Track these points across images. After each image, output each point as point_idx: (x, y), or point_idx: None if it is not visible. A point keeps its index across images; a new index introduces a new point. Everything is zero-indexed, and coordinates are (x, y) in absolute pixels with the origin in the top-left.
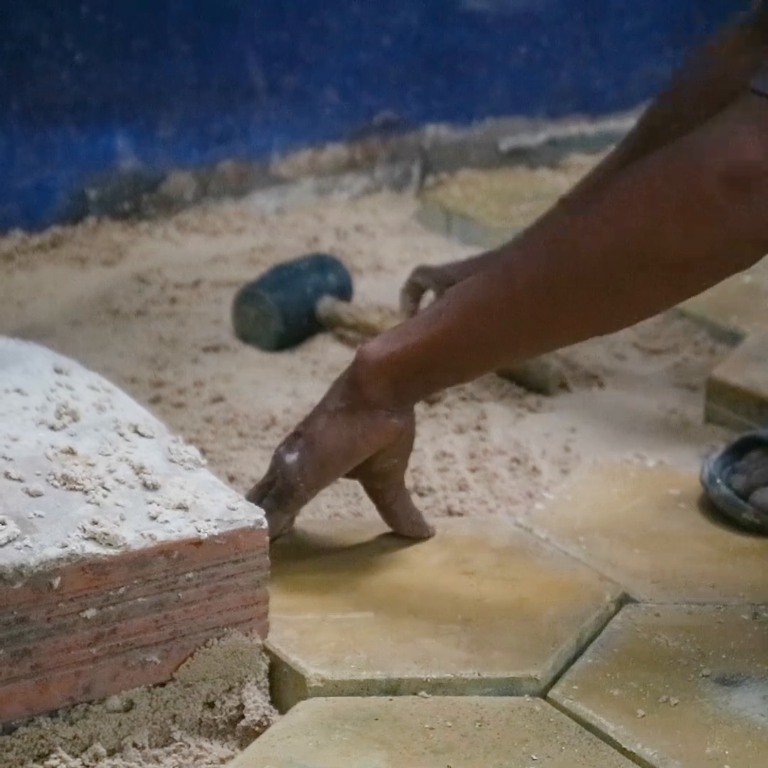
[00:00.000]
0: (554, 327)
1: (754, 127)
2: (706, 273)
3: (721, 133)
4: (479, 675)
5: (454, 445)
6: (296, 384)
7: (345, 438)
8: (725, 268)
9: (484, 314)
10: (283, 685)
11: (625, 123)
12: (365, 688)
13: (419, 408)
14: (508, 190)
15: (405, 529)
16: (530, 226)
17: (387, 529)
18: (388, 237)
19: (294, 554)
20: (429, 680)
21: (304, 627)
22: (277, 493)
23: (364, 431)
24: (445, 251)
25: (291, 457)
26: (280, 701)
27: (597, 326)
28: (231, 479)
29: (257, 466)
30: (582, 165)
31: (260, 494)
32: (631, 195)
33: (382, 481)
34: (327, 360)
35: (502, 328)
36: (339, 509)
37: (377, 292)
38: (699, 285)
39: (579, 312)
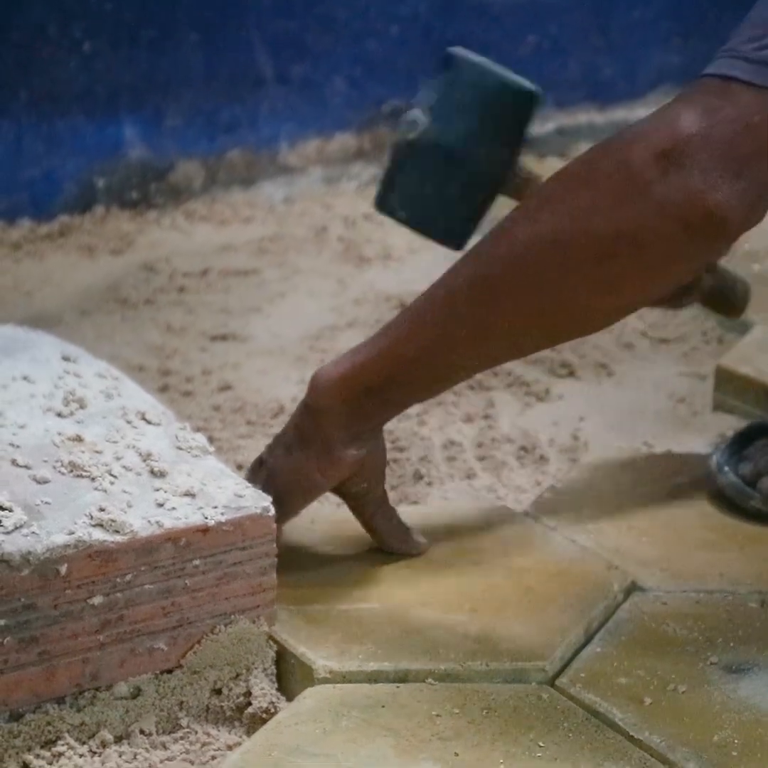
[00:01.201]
0: (493, 331)
1: (694, 102)
2: (633, 260)
3: (662, 112)
4: (487, 665)
5: (462, 433)
6: (304, 372)
7: (302, 474)
8: (652, 254)
9: (428, 321)
10: (291, 675)
11: (634, 112)
12: (373, 679)
13: None
14: None
15: (389, 546)
16: None
17: None
18: (397, 226)
19: (301, 544)
20: (437, 671)
21: (311, 617)
22: None
23: (319, 466)
24: None
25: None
26: (287, 689)
27: (534, 330)
28: (239, 467)
29: None
30: None
31: None
32: (570, 175)
33: (357, 501)
34: (335, 348)
35: (444, 334)
36: None
37: (386, 281)
38: (626, 279)
39: (514, 311)
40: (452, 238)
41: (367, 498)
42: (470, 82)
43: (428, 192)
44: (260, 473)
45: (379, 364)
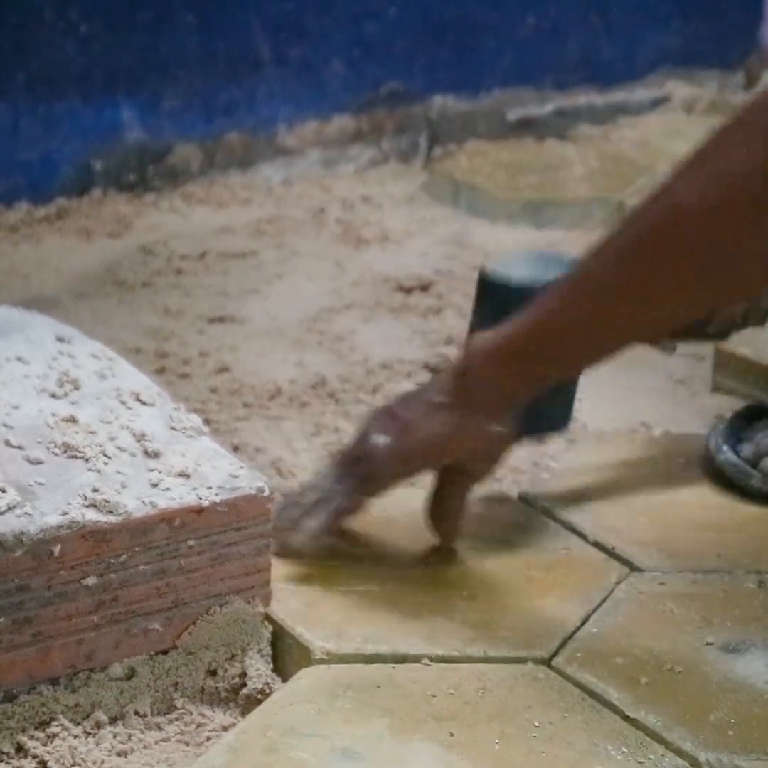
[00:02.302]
0: (655, 294)
1: None
2: None
3: None
4: (485, 653)
5: None
6: (302, 354)
7: (440, 435)
8: None
9: (584, 292)
10: (288, 656)
11: (634, 94)
12: (370, 662)
13: (424, 377)
14: (515, 161)
15: (440, 529)
16: None
17: (393, 498)
18: (395, 208)
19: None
20: (435, 657)
21: (309, 598)
22: (363, 475)
23: (458, 433)
24: (452, 222)
25: (381, 439)
26: (283, 670)
27: (701, 290)
28: (236, 449)
29: (262, 437)
30: (590, 136)
31: (344, 471)
32: (723, 134)
33: (460, 477)
34: (333, 330)
35: (602, 303)
36: None
37: (384, 263)
38: None
39: (679, 273)
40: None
41: (468, 480)
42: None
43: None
44: (391, 426)
45: (534, 335)
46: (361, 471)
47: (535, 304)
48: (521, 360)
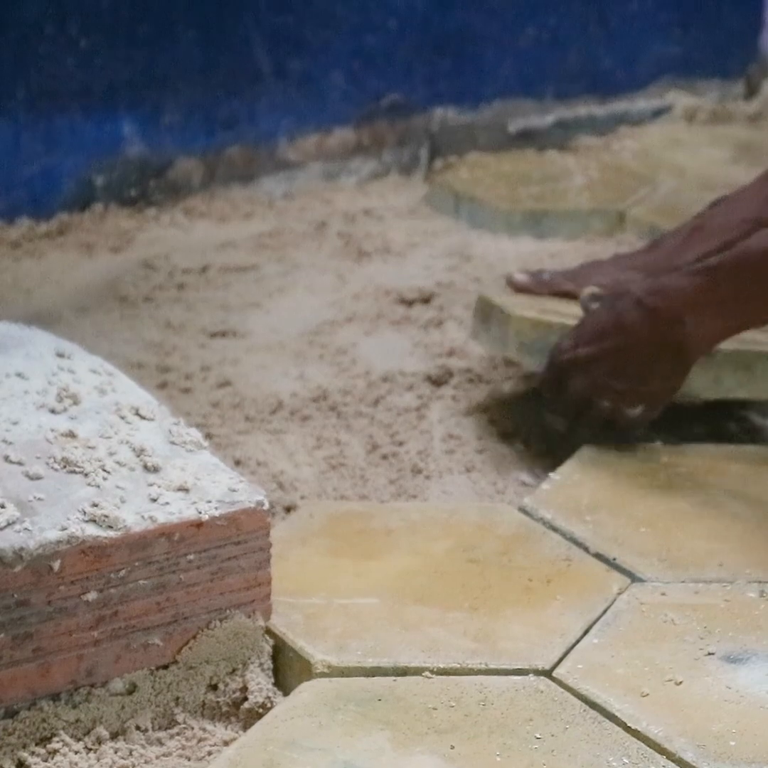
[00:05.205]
0: None
1: None
2: None
3: None
4: (487, 665)
5: (462, 426)
6: (303, 368)
7: (681, 384)
8: None
9: None
10: (289, 669)
11: (635, 104)
12: (371, 675)
13: (426, 390)
14: (516, 173)
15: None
16: None
17: (395, 511)
18: (397, 220)
19: (298, 537)
20: (436, 669)
21: (310, 611)
22: (620, 431)
23: (688, 374)
24: (453, 234)
25: (634, 412)
26: (284, 684)
27: None
28: (237, 463)
29: (264, 450)
30: (591, 146)
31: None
32: None
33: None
34: (334, 343)
35: None
36: (345, 492)
37: (386, 276)
38: None
39: None
40: None
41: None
42: None
43: None
44: (635, 401)
45: (746, 325)
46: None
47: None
48: (717, 306)
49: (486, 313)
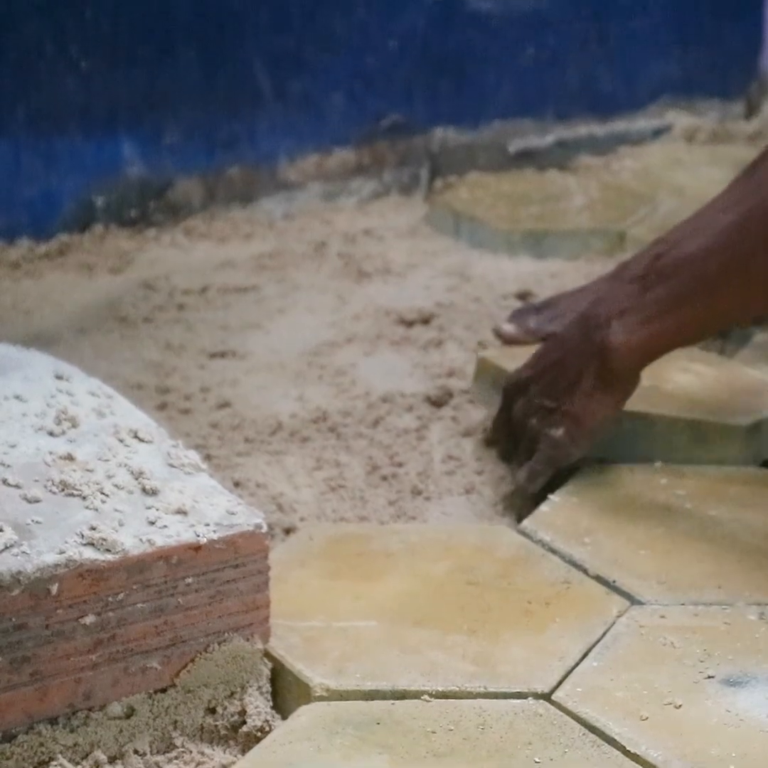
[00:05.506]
0: None
1: None
2: None
3: None
4: (486, 688)
5: (461, 447)
6: (303, 389)
7: (610, 410)
8: None
9: (723, 289)
10: (287, 693)
11: (635, 123)
12: (370, 699)
13: (426, 411)
14: (517, 193)
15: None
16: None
17: (394, 533)
18: (397, 240)
19: (297, 559)
20: (435, 692)
21: (308, 634)
22: (546, 458)
23: (622, 400)
24: (454, 254)
25: (558, 432)
26: (283, 707)
27: None
28: (237, 484)
29: (263, 472)
30: (591, 166)
31: (523, 461)
32: None
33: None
34: (334, 364)
35: (742, 299)
36: (345, 513)
37: (386, 296)
38: None
39: None
40: None
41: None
42: None
43: None
44: (560, 421)
45: (680, 333)
46: (543, 456)
47: (672, 305)
48: (665, 352)
49: (487, 374)
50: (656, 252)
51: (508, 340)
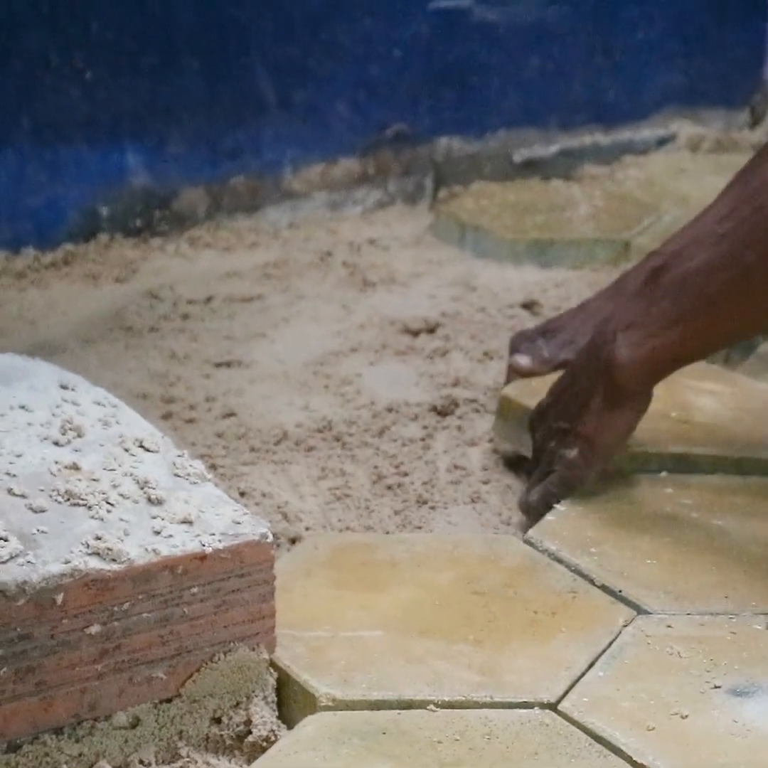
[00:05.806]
0: None
1: None
2: None
3: None
4: (492, 698)
5: (467, 457)
6: (308, 398)
7: (622, 429)
8: None
9: (724, 305)
10: (293, 703)
11: (639, 133)
12: (376, 709)
13: (431, 420)
14: (521, 202)
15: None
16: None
17: (400, 542)
18: (402, 250)
19: (303, 569)
20: (440, 702)
21: (314, 644)
22: (562, 480)
23: (634, 419)
24: (458, 263)
25: (572, 453)
26: (288, 717)
27: None
28: (242, 494)
29: (269, 481)
30: (595, 176)
31: (538, 482)
32: None
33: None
34: (339, 373)
35: (746, 314)
36: (350, 523)
37: (391, 306)
38: None
39: None
40: None
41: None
42: None
43: None
44: (573, 442)
45: (685, 347)
46: (558, 478)
47: (675, 318)
48: (671, 368)
49: (510, 412)
50: (655, 264)
51: (525, 373)
